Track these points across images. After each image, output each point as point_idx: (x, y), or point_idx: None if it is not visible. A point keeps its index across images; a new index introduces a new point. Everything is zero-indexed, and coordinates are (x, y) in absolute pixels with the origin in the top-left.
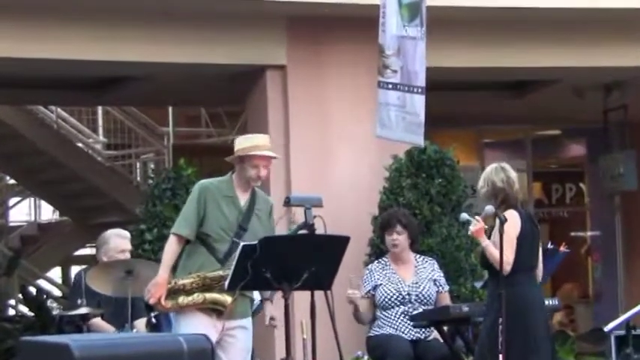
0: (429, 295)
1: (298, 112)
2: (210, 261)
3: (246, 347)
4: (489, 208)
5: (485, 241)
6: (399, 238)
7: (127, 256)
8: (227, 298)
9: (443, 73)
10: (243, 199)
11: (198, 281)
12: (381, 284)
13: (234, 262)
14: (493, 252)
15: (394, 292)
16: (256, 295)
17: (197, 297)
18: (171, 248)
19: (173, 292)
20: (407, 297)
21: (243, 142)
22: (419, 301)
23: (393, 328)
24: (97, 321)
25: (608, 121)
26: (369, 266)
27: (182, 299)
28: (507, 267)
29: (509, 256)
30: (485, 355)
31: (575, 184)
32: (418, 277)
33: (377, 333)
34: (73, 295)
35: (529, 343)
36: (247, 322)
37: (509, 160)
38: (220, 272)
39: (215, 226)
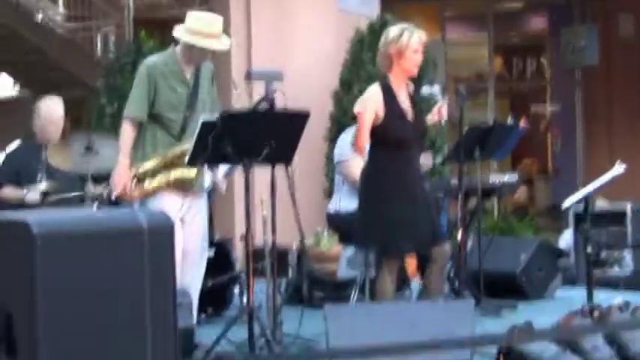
0: None
1: None
2: (167, 138)
3: (205, 220)
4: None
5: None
6: None
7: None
8: (192, 173)
9: None
10: (188, 71)
11: (160, 162)
12: None
13: (194, 137)
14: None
15: None
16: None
17: (162, 177)
18: (127, 134)
19: (138, 180)
20: None
21: (193, 24)
22: None
23: None
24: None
25: None
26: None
27: (148, 183)
28: None
29: None
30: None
31: (537, 58)
32: None
33: (346, 208)
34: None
35: None
36: (205, 195)
37: (471, 32)
38: (181, 147)
39: (166, 103)
